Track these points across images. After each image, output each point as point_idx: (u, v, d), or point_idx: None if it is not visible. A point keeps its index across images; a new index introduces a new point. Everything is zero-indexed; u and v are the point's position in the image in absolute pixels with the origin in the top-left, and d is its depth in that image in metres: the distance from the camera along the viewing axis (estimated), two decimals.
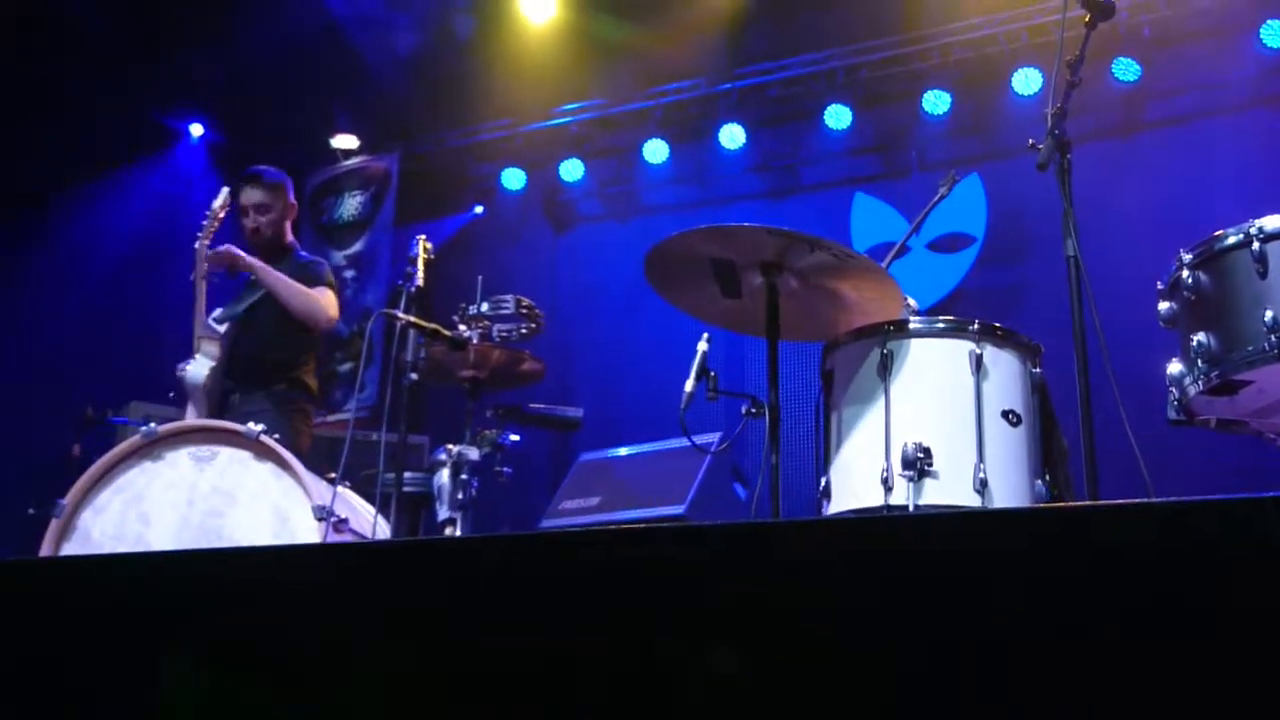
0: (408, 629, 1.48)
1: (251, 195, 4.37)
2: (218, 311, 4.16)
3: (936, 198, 3.85)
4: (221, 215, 4.23)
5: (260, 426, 3.40)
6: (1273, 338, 2.28)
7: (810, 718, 1.29)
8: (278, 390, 4.15)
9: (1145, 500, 1.26)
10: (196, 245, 4.14)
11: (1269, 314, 2.30)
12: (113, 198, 7.61)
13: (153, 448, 3.43)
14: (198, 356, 4.02)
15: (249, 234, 4.39)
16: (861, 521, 2.43)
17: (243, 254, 4.18)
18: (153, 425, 3.45)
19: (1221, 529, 1.09)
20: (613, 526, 1.44)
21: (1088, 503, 2.40)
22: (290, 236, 4.48)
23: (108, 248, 7.46)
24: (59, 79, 6.99)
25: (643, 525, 1.45)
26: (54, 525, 3.35)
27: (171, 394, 4.08)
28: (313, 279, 4.29)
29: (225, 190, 4.32)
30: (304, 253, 4.52)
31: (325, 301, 4.25)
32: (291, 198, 4.49)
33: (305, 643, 1.57)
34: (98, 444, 5.54)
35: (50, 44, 6.88)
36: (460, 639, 1.47)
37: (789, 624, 1.34)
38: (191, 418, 3.81)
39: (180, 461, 3.39)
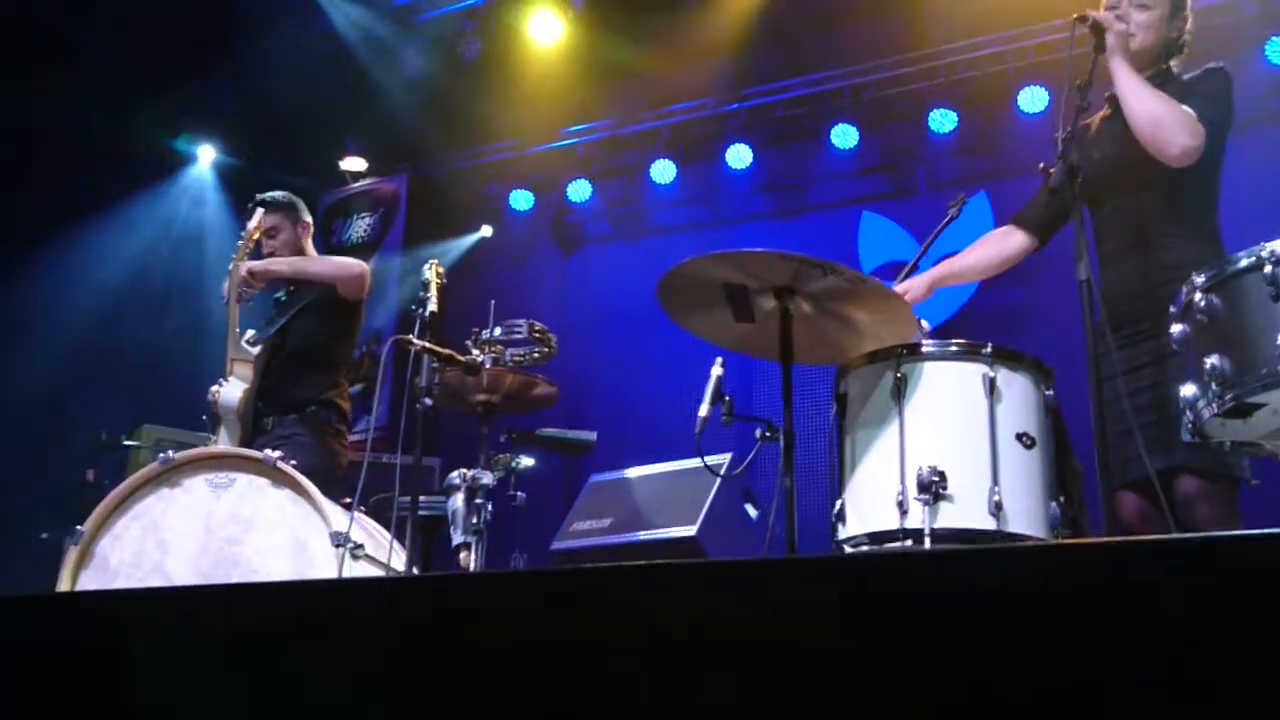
0: (408, 666, 1.49)
1: (263, 221, 4.40)
2: (250, 333, 4.18)
3: (946, 219, 3.86)
4: (256, 236, 4.27)
5: (277, 453, 3.42)
6: None
7: None
8: (310, 413, 4.14)
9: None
10: (230, 266, 4.17)
11: None
12: (124, 223, 7.65)
13: (170, 475, 3.45)
14: (231, 379, 4.04)
15: (266, 258, 4.40)
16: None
17: (254, 262, 4.21)
18: (170, 453, 3.46)
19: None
20: (622, 564, 1.45)
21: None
22: (312, 254, 4.51)
23: (119, 272, 7.50)
24: (69, 107, 7.05)
25: (651, 563, 1.47)
26: (72, 552, 3.37)
27: (205, 417, 4.09)
28: None
29: (260, 211, 4.35)
30: None
31: (353, 262, 4.32)
32: (305, 216, 4.50)
33: (318, 676, 1.59)
34: (111, 469, 5.58)
35: (60, 72, 6.94)
36: (463, 676, 1.48)
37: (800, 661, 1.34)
38: (225, 442, 3.83)
39: (197, 488, 3.41)
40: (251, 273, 4.17)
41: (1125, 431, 2.84)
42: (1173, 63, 3.31)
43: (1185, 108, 3.01)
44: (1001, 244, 3.57)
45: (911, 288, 3.46)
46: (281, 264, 4.27)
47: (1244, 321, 2.43)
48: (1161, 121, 3.00)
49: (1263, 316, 2.39)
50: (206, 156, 8.16)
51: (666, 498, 4.69)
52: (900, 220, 6.96)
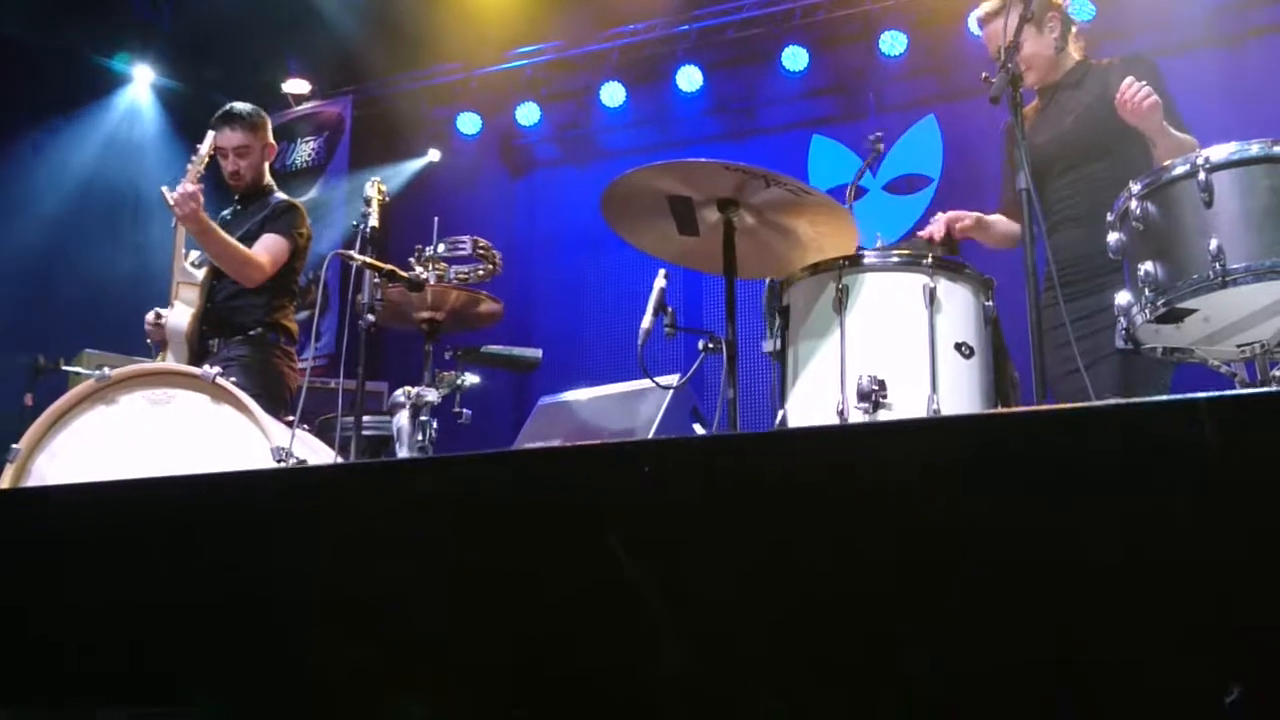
0: (365, 551, 1.50)
1: (231, 137, 4.19)
2: (194, 255, 4.06)
3: (867, 160, 3.95)
4: (206, 160, 4.05)
5: (216, 369, 3.37)
6: (1216, 266, 2.32)
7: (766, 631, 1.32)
8: (256, 335, 4.07)
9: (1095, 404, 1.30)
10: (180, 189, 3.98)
11: (1213, 243, 2.34)
12: (60, 144, 7.44)
13: (107, 392, 3.39)
14: (176, 304, 3.95)
15: (229, 177, 4.24)
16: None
17: (198, 207, 3.89)
18: (106, 369, 3.40)
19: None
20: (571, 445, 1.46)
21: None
22: (268, 178, 4.34)
23: (58, 194, 7.32)
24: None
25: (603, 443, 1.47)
26: (8, 470, 3.32)
27: (149, 340, 4.01)
28: (275, 225, 4.16)
29: (211, 134, 4.13)
30: (279, 195, 4.33)
31: (255, 258, 4.03)
32: (270, 137, 4.33)
33: (268, 566, 1.58)
34: (51, 393, 5.46)
35: None
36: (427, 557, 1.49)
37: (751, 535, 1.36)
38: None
39: (135, 405, 3.36)
40: (193, 210, 3.84)
41: (1072, 372, 3.00)
42: (1072, 49, 3.50)
43: (1182, 136, 3.13)
44: (1011, 225, 3.60)
45: (948, 220, 3.50)
46: (211, 229, 3.93)
47: (1177, 228, 2.47)
48: None
49: (1195, 222, 2.43)
50: (144, 77, 7.93)
51: (615, 418, 4.71)
52: (850, 143, 6.95)
